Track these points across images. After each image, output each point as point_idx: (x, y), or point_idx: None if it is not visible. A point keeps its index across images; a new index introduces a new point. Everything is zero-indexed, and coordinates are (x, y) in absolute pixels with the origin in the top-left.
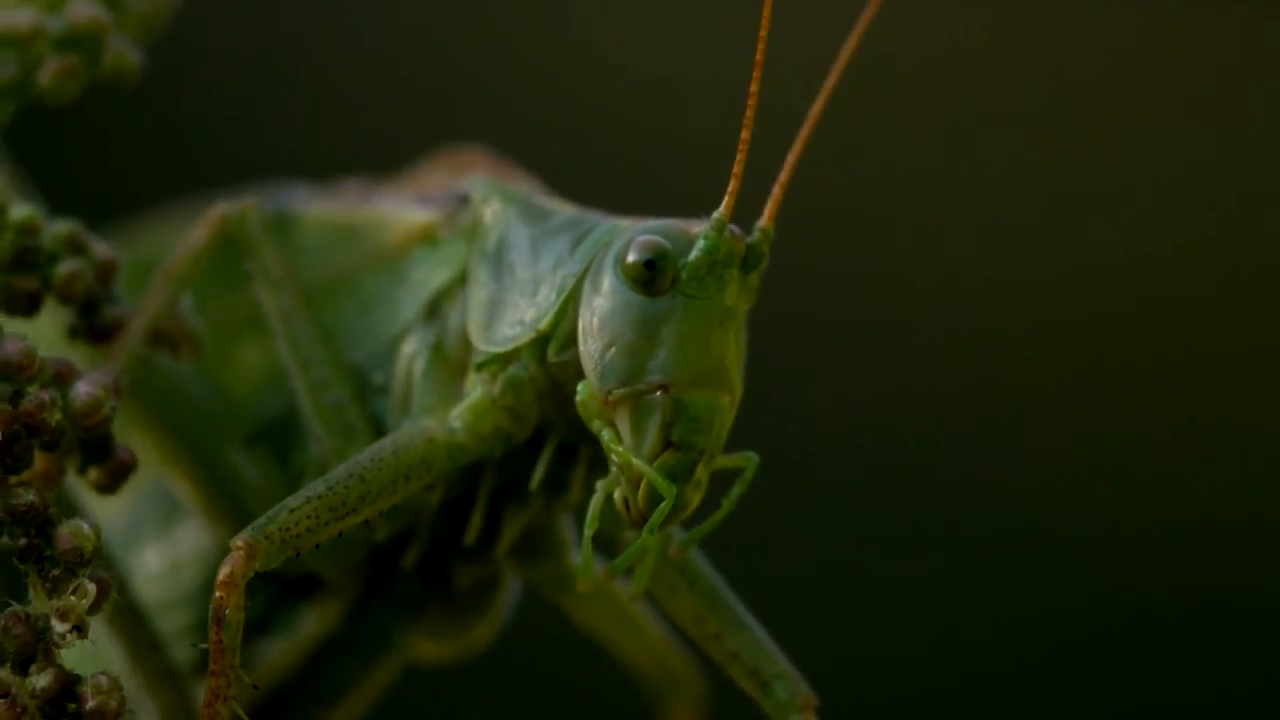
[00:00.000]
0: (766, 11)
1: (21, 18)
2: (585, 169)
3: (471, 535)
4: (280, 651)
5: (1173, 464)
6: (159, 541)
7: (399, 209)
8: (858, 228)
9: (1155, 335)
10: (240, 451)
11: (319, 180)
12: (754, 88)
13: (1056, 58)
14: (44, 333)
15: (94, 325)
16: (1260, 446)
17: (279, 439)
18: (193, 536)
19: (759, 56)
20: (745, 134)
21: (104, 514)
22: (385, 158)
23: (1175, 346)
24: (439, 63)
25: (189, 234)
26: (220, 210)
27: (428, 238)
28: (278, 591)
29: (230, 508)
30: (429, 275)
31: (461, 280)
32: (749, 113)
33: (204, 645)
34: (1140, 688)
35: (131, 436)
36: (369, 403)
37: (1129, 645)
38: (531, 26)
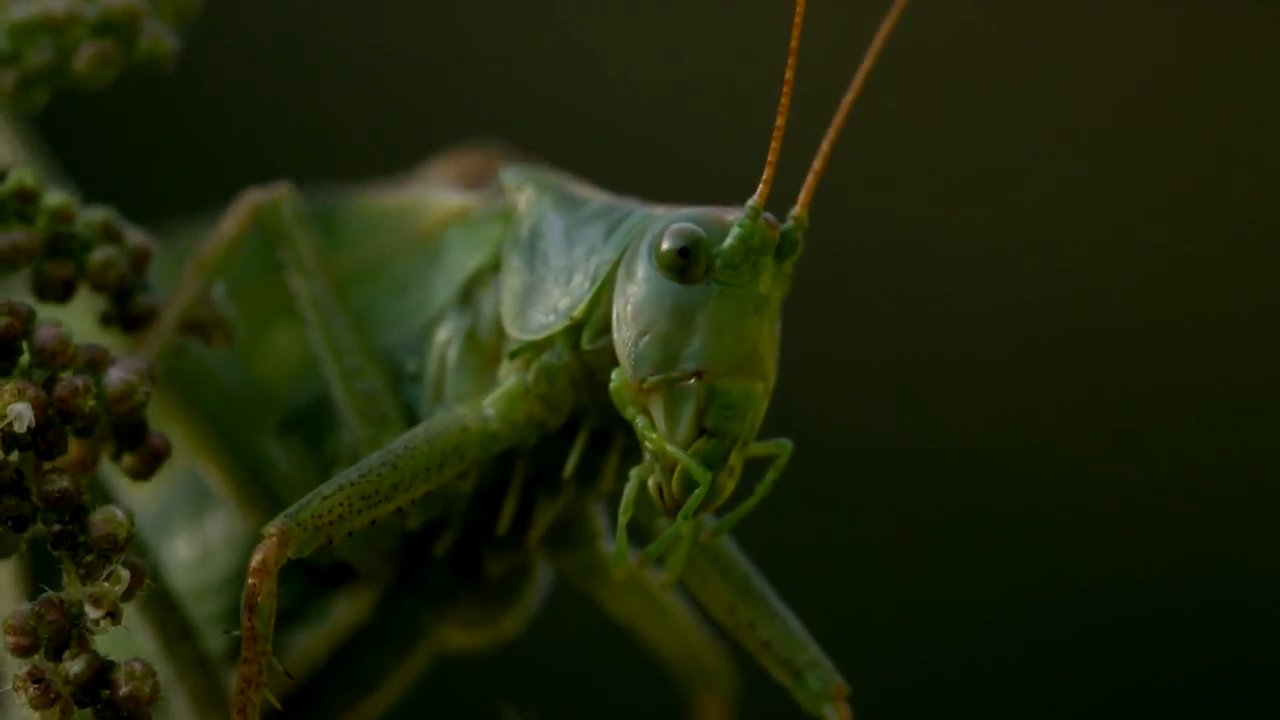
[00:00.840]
0: (801, 4)
1: (57, 3)
2: (588, 170)
3: (504, 524)
4: (311, 640)
5: (1187, 460)
6: (189, 530)
7: (433, 195)
8: (874, 224)
9: (1154, 333)
10: (273, 439)
11: (345, 179)
12: (788, 75)
13: (1090, 53)
14: (74, 321)
15: (127, 313)
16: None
17: (311, 427)
18: (223, 525)
19: (793, 44)
20: (780, 121)
21: (134, 503)
22: (394, 158)
23: (1179, 343)
24: (445, 64)
25: (221, 222)
26: (253, 199)
27: (462, 221)
28: (309, 581)
29: (262, 496)
30: (463, 259)
31: (495, 266)
32: (784, 100)
33: (236, 632)
34: (1147, 686)
35: (163, 425)
36: (402, 390)
37: (1134, 642)
38: (535, 26)
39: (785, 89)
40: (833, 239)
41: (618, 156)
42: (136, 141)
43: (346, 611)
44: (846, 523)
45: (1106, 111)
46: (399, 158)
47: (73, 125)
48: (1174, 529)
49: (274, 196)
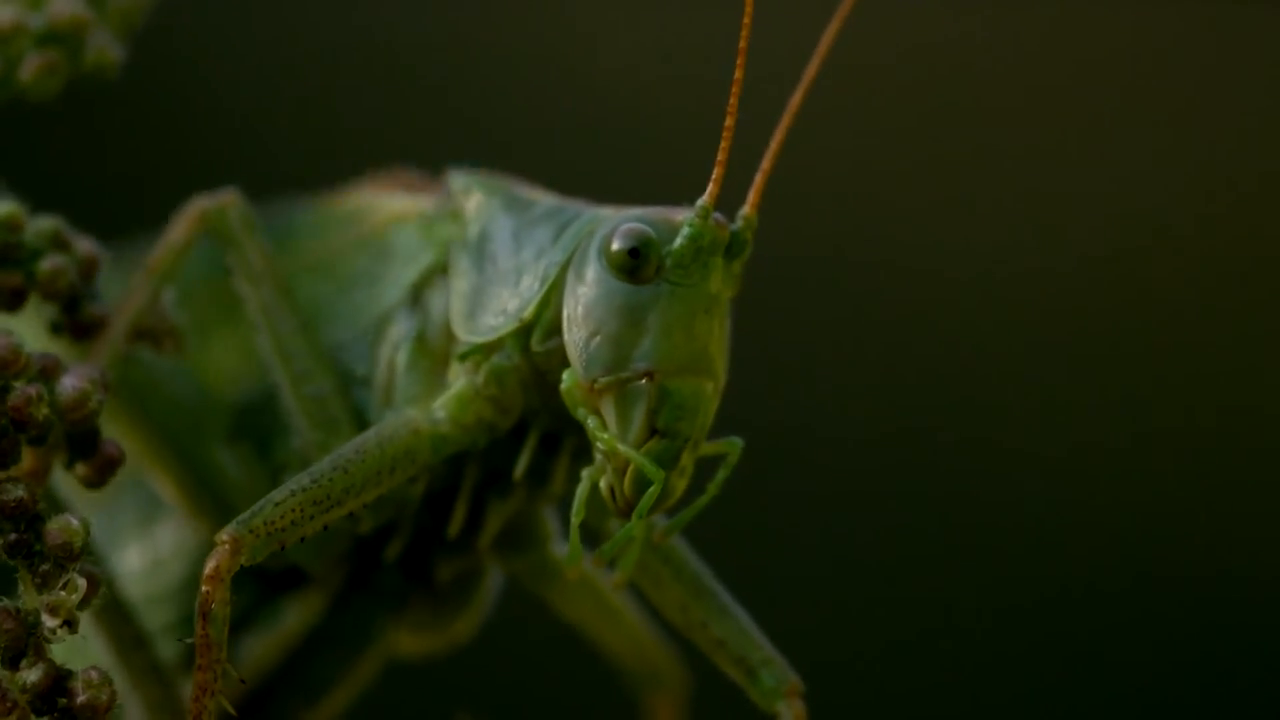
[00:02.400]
0: (750, 3)
1: (3, 14)
2: (577, 162)
3: (455, 527)
4: (262, 646)
5: (1185, 456)
6: (139, 539)
7: (381, 197)
8: (840, 218)
9: (1151, 329)
10: (222, 447)
11: (311, 185)
12: (738, 74)
13: (1045, 46)
14: (22, 330)
15: (77, 321)
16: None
17: (260, 433)
18: (173, 533)
19: (742, 44)
20: (729, 121)
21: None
22: (389, 157)
23: (1177, 339)
24: (441, 62)
25: (170, 229)
26: (200, 205)
27: (409, 222)
28: (260, 586)
29: (212, 503)
30: (411, 259)
31: (443, 268)
32: (732, 100)
33: (190, 640)
34: (1142, 685)
35: (112, 434)
36: (351, 394)
37: (1131, 641)
38: (525, 22)
39: (734, 88)
40: (815, 229)
41: (611, 146)
42: (133, 144)
43: (297, 617)
44: (829, 519)
45: (1105, 105)
46: (401, 156)
47: (22, 133)
48: (1173, 527)
49: (221, 202)
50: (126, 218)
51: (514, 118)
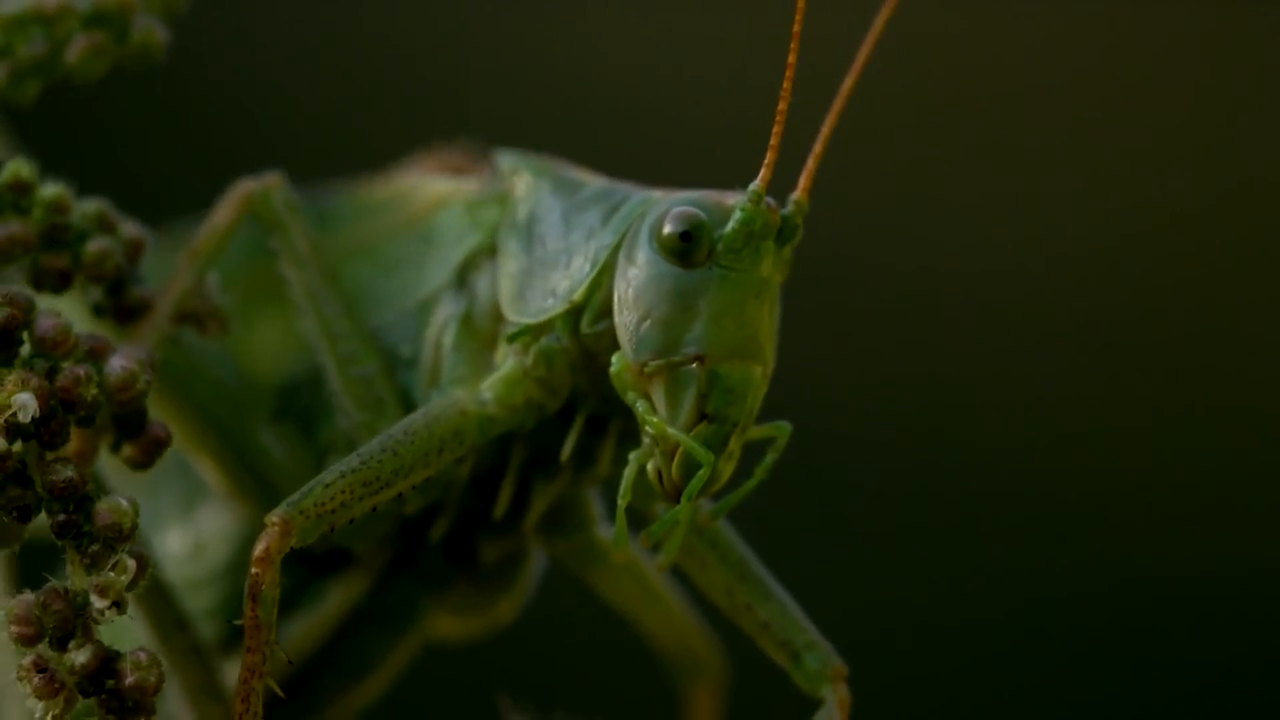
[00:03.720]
0: None
1: None
2: (588, 155)
3: (501, 508)
4: (305, 627)
5: (1186, 453)
6: (180, 523)
7: (425, 180)
8: (876, 213)
9: (1154, 326)
10: (266, 429)
11: (339, 174)
12: (791, 58)
13: (1086, 42)
14: (66, 313)
15: (121, 304)
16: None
17: (305, 415)
18: (215, 517)
19: (795, 28)
20: (782, 105)
21: None
22: (398, 152)
23: (1178, 335)
24: (449, 59)
25: (214, 212)
26: (245, 188)
27: (455, 204)
28: (304, 568)
29: (257, 486)
30: (457, 241)
31: (490, 249)
32: (785, 85)
33: (239, 622)
34: (1137, 682)
35: (156, 416)
36: (398, 376)
37: (1136, 635)
38: (539, 20)
39: (788, 74)
40: (835, 227)
41: (620, 143)
42: (141, 139)
43: (341, 598)
44: (848, 509)
45: (1110, 102)
46: (401, 151)
47: (67, 118)
48: (1172, 524)
49: (265, 185)
50: (170, 201)
51: (532, 110)
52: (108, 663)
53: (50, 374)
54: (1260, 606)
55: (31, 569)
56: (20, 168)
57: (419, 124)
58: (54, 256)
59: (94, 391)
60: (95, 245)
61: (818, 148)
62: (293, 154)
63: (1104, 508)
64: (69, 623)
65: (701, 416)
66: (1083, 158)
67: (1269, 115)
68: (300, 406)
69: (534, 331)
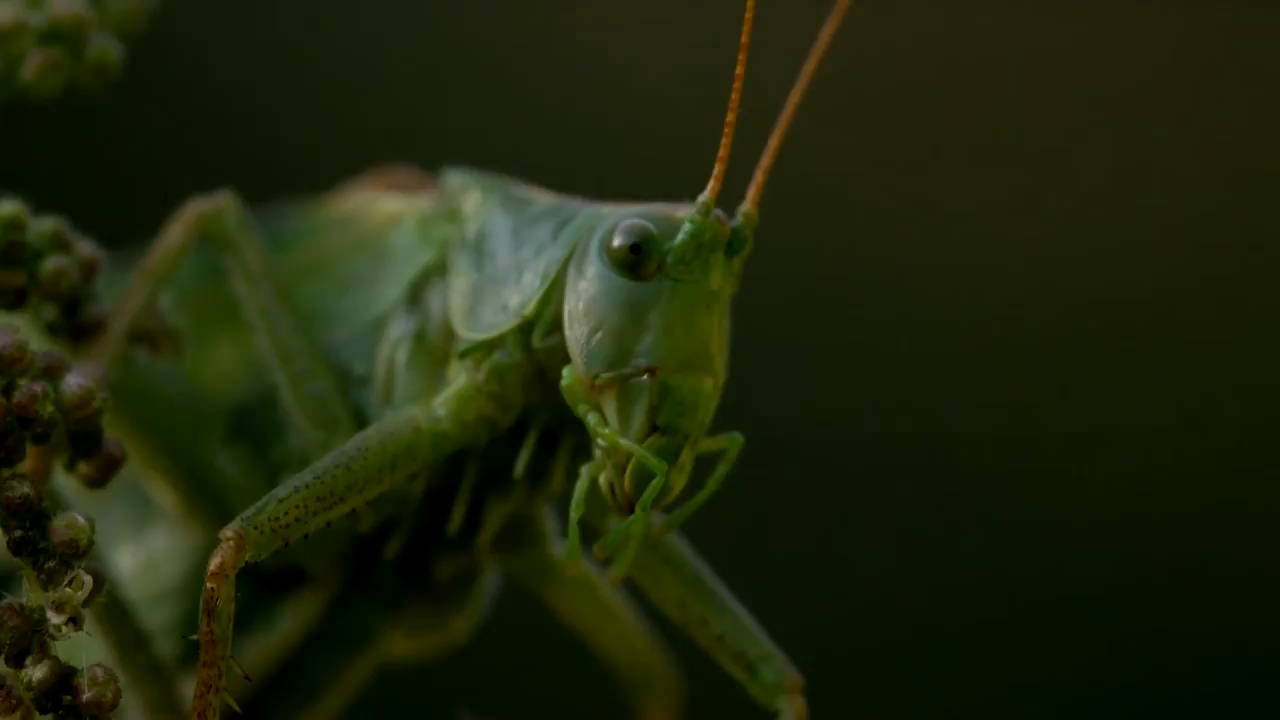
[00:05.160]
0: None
1: (4, 12)
2: (577, 161)
3: (455, 524)
4: (259, 648)
5: (1180, 453)
6: (131, 541)
7: (376, 199)
8: (841, 214)
9: (1146, 326)
10: (219, 448)
11: (316, 187)
12: (739, 70)
13: (1039, 40)
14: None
15: (76, 323)
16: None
17: (258, 433)
18: (166, 535)
19: (744, 39)
20: (730, 117)
21: None
22: (388, 157)
23: (1170, 336)
24: (440, 60)
25: (166, 232)
26: (197, 207)
27: (406, 222)
28: (256, 588)
29: (209, 504)
30: (409, 258)
31: (441, 267)
32: (734, 96)
33: (194, 637)
34: (1132, 682)
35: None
36: (351, 394)
37: (1126, 638)
38: (524, 20)
39: (736, 85)
40: (815, 225)
41: (604, 145)
42: (135, 145)
43: (294, 618)
44: (808, 516)
45: (1098, 103)
46: (391, 158)
47: (22, 135)
48: (1169, 523)
49: (217, 205)
50: (127, 220)
51: (512, 117)
52: (65, 679)
53: (6, 390)
54: (1261, 606)
55: None
56: None
57: (396, 135)
58: (10, 274)
59: (50, 408)
60: (52, 264)
61: (766, 160)
62: (254, 171)
63: (1104, 508)
64: (26, 639)
65: (653, 428)
66: (1082, 159)
67: (1269, 116)
68: (254, 425)
69: (486, 347)
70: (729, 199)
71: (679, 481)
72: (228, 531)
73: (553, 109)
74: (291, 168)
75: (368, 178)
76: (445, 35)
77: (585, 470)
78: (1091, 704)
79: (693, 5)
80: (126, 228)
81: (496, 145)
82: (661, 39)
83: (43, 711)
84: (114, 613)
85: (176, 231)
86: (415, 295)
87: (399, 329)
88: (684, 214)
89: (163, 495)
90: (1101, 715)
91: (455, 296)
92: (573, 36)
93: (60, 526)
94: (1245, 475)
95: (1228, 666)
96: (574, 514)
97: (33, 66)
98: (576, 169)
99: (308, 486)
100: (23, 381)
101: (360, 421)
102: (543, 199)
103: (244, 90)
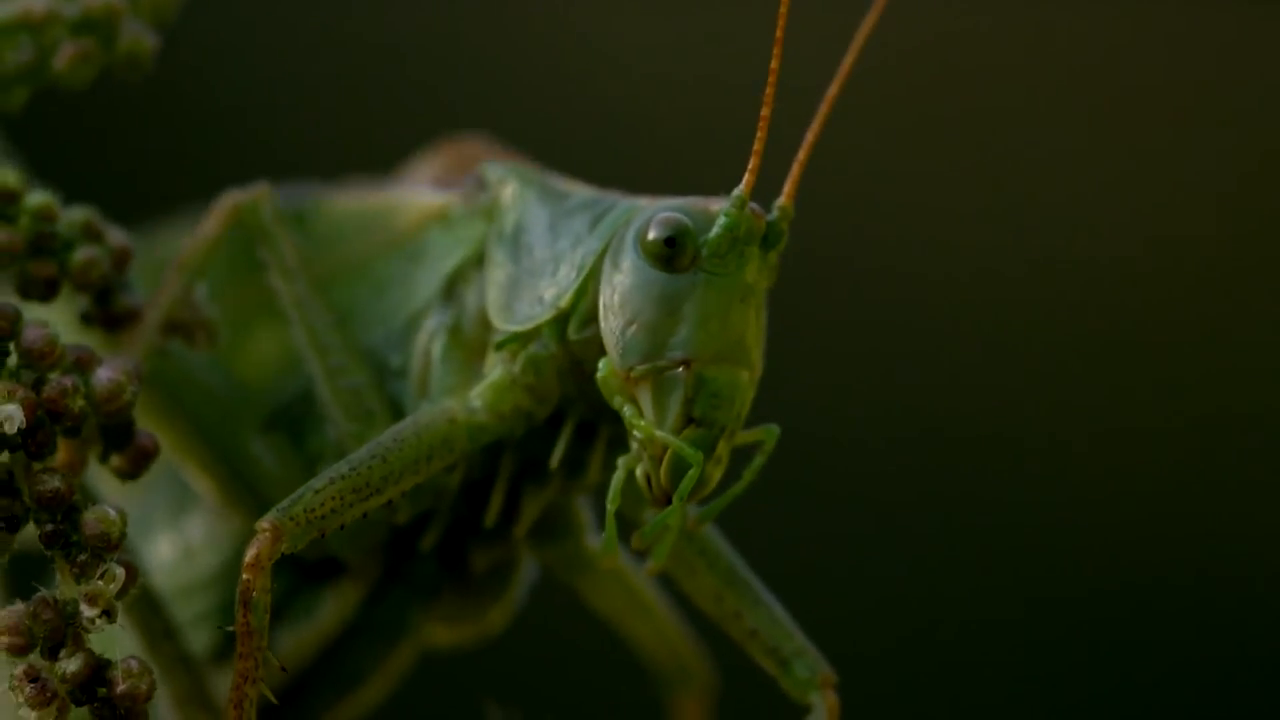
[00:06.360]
0: None
1: (37, 2)
2: (587, 162)
3: (491, 516)
4: (296, 639)
5: (1178, 454)
6: (170, 531)
7: (412, 194)
8: (868, 215)
9: (1146, 329)
10: (256, 438)
11: (325, 177)
12: (774, 64)
13: (1081, 44)
14: (53, 322)
15: (108, 312)
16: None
17: (295, 424)
18: (204, 525)
19: (778, 34)
20: (765, 111)
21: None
22: (391, 151)
23: (1169, 338)
24: (443, 59)
25: (202, 224)
26: (233, 199)
27: (442, 219)
28: (294, 577)
29: (246, 494)
30: (445, 255)
31: (478, 261)
32: (769, 89)
33: (230, 628)
34: (1132, 682)
35: (145, 426)
36: (387, 386)
37: (1130, 637)
38: (533, 20)
39: (770, 80)
40: (822, 231)
41: (605, 149)
42: (139, 141)
43: (332, 609)
44: (835, 515)
45: (1100, 106)
46: (403, 151)
47: (55, 125)
48: (1173, 525)
49: (253, 196)
50: (158, 209)
51: (516, 117)
52: (99, 671)
53: (37, 385)
54: (1262, 606)
55: (22, 579)
56: (7, 176)
57: (412, 127)
58: (41, 265)
59: (80, 402)
60: (82, 254)
61: (802, 155)
62: (283, 161)
63: (1103, 509)
64: (59, 632)
65: (689, 420)
66: (1081, 161)
67: (1271, 116)
68: (290, 416)
69: (522, 339)
70: (763, 194)
71: (715, 473)
72: (264, 523)
73: (555, 106)
74: (316, 160)
75: (439, 148)
76: (453, 32)
77: (622, 462)
78: (1092, 704)
79: (712, 7)
80: (162, 215)
81: (501, 144)
82: (675, 34)
83: (78, 704)
84: (144, 605)
85: (212, 222)
86: (451, 288)
87: (434, 322)
88: (719, 207)
89: (200, 485)
90: (1102, 715)
91: (491, 289)
92: (582, 32)
93: (91, 520)
94: (1248, 476)
95: (1228, 667)
96: (610, 506)
97: (65, 57)
98: (577, 170)
99: (344, 478)
100: (53, 375)
101: (397, 414)
102: (580, 191)
103: (270, 82)
